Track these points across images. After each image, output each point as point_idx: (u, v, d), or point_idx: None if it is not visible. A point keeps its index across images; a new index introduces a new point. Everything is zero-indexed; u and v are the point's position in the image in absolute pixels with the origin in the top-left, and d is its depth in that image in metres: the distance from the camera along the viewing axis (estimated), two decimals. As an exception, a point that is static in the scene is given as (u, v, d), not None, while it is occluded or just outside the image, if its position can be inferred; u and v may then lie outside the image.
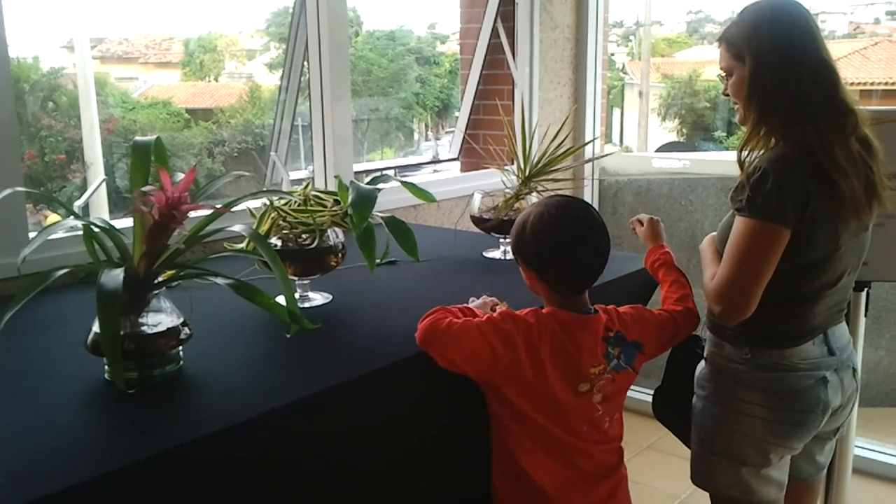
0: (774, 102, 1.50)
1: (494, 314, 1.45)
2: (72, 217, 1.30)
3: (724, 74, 1.61)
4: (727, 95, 1.61)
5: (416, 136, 9.21)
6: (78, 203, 2.18)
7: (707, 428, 1.65)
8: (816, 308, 1.56)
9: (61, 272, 1.21)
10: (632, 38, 11.57)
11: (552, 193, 1.53)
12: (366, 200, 1.50)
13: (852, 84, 9.68)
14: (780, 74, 1.49)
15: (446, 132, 8.28)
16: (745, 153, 1.53)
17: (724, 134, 10.28)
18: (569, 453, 1.49)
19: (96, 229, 1.27)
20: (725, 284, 1.50)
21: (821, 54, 1.50)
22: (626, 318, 1.56)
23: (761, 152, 1.51)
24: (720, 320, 1.57)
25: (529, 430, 1.46)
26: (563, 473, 1.49)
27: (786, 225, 1.45)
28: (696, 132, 11.04)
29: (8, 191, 1.34)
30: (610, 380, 1.50)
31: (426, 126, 9.18)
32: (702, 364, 1.70)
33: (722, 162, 3.91)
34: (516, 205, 2.15)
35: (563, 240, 1.47)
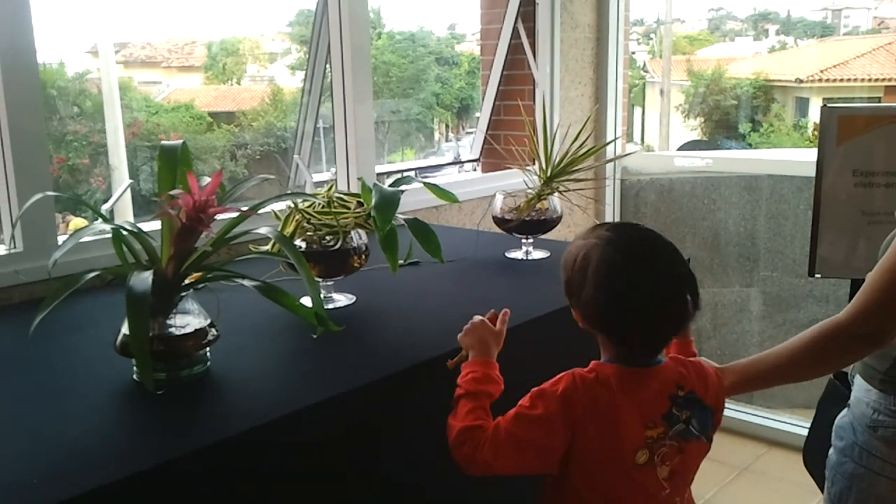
0: None
1: (523, 402, 1.24)
2: (100, 220, 1.32)
3: None
4: None
5: (436, 136, 9.22)
6: (105, 207, 2.22)
7: (839, 484, 1.48)
8: None
9: (91, 275, 1.23)
10: (653, 36, 11.52)
11: (618, 223, 1.29)
12: (389, 203, 1.51)
13: (877, 80, 9.57)
14: None
15: (466, 133, 8.29)
16: None
17: (750, 129, 10.18)
18: None
19: (125, 232, 1.29)
20: (869, 303, 1.32)
21: None
22: (706, 376, 1.31)
23: None
24: (854, 345, 1.37)
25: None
26: None
27: None
28: (719, 130, 10.97)
29: (38, 195, 1.37)
30: (675, 448, 1.24)
31: (447, 127, 9.19)
32: (844, 410, 1.52)
33: (745, 160, 3.90)
34: (538, 205, 2.15)
35: (636, 297, 1.20)
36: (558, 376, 1.24)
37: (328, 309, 1.68)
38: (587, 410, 1.20)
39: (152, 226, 1.71)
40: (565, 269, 1.30)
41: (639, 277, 1.21)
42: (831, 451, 1.52)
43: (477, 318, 1.38)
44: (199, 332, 1.31)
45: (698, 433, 1.26)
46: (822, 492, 1.57)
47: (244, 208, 1.33)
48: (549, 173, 2.16)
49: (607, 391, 1.22)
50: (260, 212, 1.39)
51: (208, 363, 1.34)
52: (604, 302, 1.23)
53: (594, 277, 1.22)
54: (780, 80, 11.28)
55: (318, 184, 2.75)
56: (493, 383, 1.30)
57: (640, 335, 1.24)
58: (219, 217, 1.25)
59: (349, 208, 1.69)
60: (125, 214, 3.25)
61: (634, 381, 1.24)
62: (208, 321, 1.33)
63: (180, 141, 1.39)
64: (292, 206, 1.67)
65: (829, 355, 1.40)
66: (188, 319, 1.31)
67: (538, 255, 2.17)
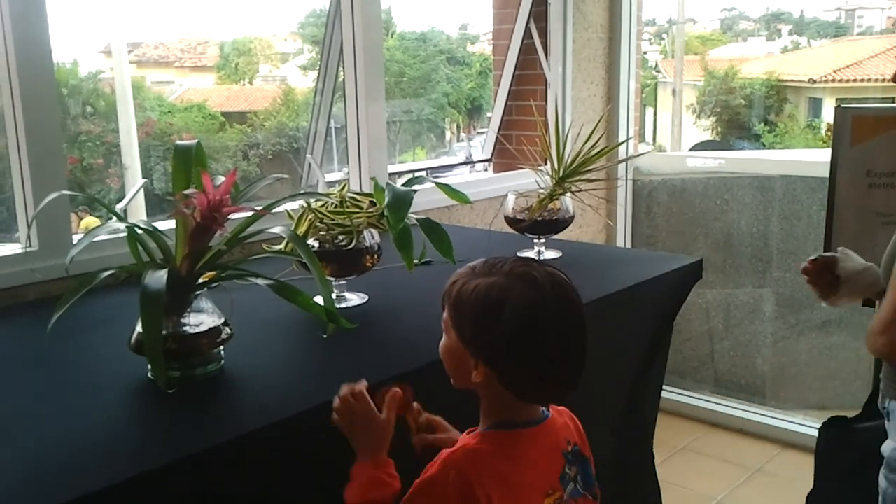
0: None
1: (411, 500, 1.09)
2: (115, 219, 1.33)
3: None
4: None
5: (447, 136, 9.21)
6: (119, 206, 2.23)
7: None
8: None
9: (106, 273, 1.24)
10: (665, 36, 11.48)
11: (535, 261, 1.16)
12: (402, 202, 1.51)
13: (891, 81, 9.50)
14: None
15: (478, 133, 8.28)
16: None
17: (767, 129, 10.14)
18: None
19: (140, 231, 1.30)
20: (891, 313, 1.26)
21: None
22: (576, 421, 1.20)
23: None
24: (882, 356, 1.32)
25: None
26: None
27: None
28: (732, 130, 10.92)
29: (54, 194, 1.38)
30: None
31: (458, 127, 9.19)
32: (888, 440, 1.44)
33: (758, 161, 3.88)
34: (550, 205, 2.15)
35: (567, 338, 1.10)
36: (441, 456, 1.10)
37: (341, 308, 1.69)
38: (486, 487, 1.05)
39: (166, 225, 1.72)
40: (468, 309, 1.13)
41: (562, 316, 1.10)
42: (884, 483, 1.45)
43: (352, 391, 1.15)
44: (213, 331, 1.31)
45: (584, 490, 1.16)
46: None
47: (258, 208, 1.34)
48: (561, 173, 2.16)
49: (502, 462, 1.09)
50: (273, 211, 1.40)
51: (222, 361, 1.35)
52: (525, 343, 1.08)
53: (516, 317, 1.08)
54: (792, 81, 11.22)
55: (331, 183, 2.76)
56: (384, 487, 1.10)
57: (556, 379, 1.11)
58: (233, 216, 1.26)
59: (362, 208, 1.70)
60: (138, 213, 3.27)
61: (528, 444, 1.12)
62: (222, 320, 1.34)
63: (195, 141, 1.40)
64: (305, 205, 1.67)
65: None
66: (202, 318, 1.31)
67: (550, 255, 2.16)
